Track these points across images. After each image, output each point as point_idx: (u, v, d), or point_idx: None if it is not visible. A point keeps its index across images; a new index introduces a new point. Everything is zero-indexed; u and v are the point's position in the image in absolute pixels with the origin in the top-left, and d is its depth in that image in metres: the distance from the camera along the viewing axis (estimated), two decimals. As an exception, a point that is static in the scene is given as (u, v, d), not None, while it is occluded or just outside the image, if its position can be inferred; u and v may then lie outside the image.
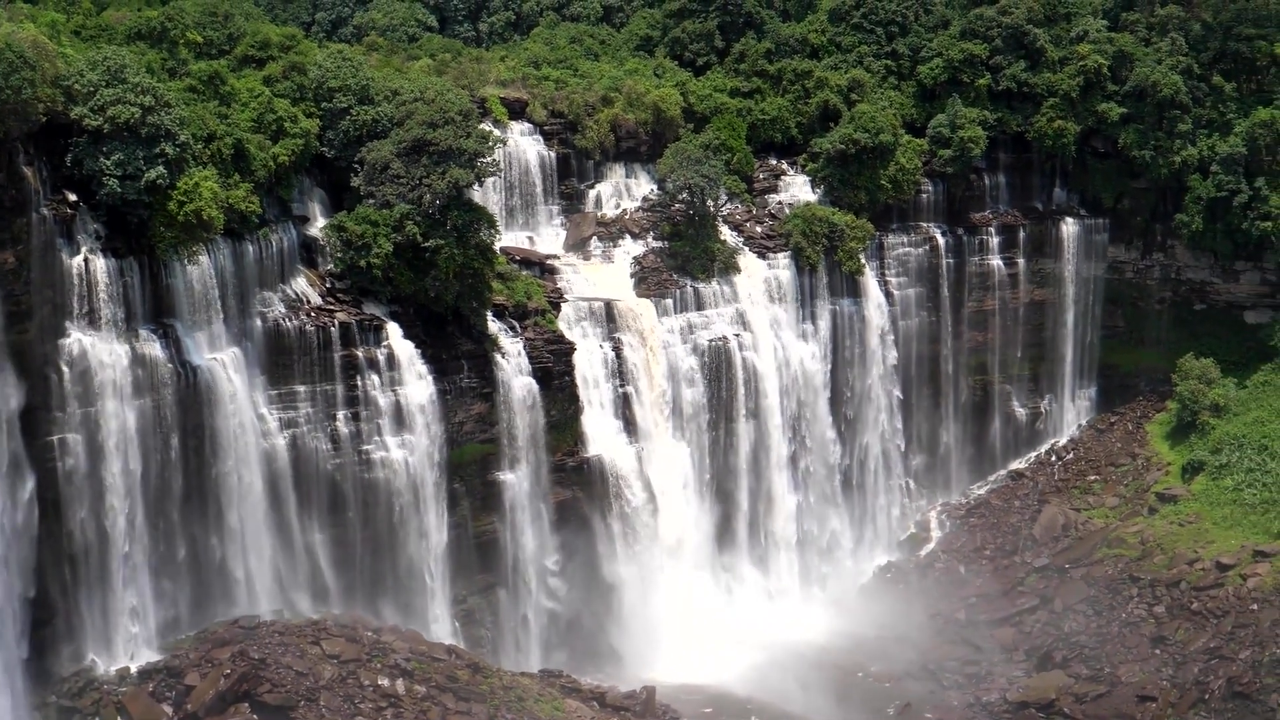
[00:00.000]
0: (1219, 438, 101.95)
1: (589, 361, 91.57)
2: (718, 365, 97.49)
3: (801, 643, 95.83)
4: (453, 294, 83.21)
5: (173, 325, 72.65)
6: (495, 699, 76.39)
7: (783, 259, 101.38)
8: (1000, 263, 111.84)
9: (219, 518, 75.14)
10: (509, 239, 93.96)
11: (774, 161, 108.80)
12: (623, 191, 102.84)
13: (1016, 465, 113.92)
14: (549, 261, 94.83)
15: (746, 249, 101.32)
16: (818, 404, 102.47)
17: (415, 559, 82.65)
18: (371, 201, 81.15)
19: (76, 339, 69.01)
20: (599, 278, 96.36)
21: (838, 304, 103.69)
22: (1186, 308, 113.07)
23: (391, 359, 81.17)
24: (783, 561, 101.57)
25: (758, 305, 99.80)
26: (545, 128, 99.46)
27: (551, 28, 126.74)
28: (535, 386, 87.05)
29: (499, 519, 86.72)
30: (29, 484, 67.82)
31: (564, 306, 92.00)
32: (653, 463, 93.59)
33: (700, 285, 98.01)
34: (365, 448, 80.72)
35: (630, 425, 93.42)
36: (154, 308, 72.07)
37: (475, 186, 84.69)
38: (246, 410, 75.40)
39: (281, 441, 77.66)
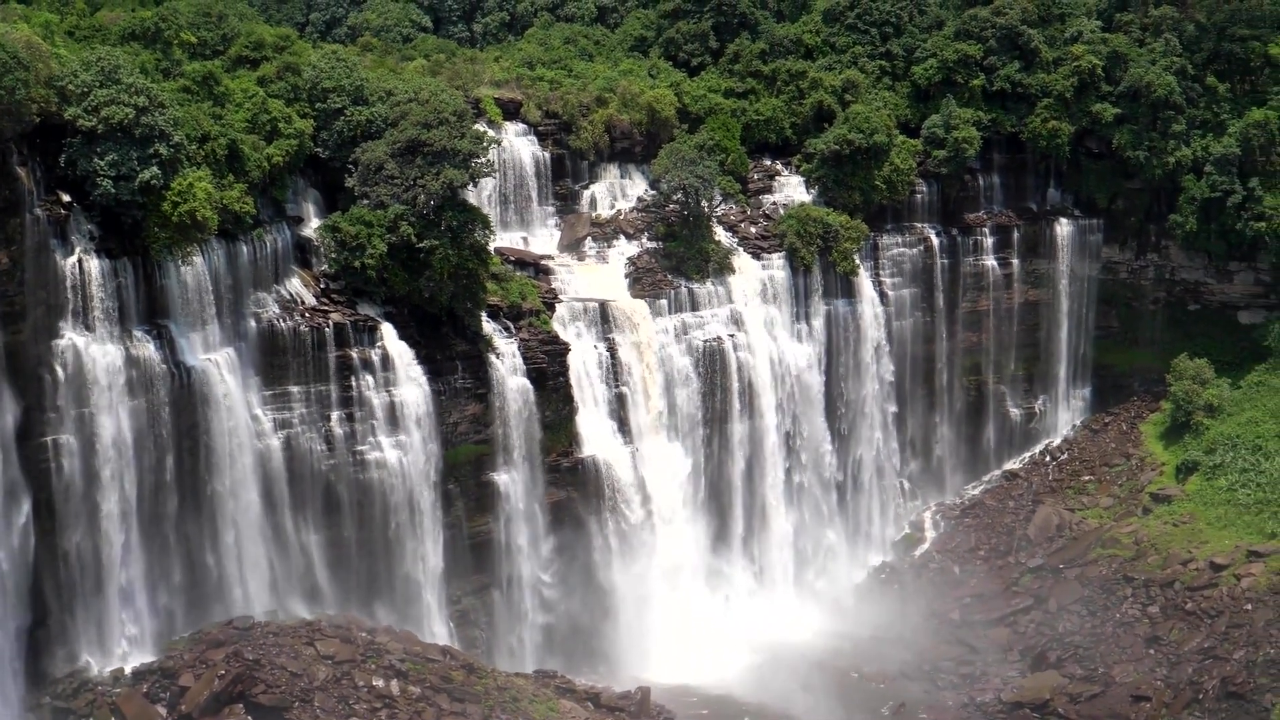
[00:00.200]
0: (1213, 438, 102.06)
1: (583, 362, 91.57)
2: (712, 366, 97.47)
3: (796, 643, 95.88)
4: (447, 295, 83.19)
5: (167, 326, 72.62)
6: (490, 700, 76.33)
7: (777, 259, 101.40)
8: (994, 263, 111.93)
9: (213, 519, 75.07)
10: (503, 240, 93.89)
11: (768, 162, 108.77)
12: (617, 192, 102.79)
13: (1011, 465, 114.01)
14: (544, 262, 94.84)
15: (741, 249, 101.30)
16: (811, 405, 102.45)
17: (410, 560, 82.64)
18: (366, 202, 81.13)
19: (70, 340, 68.95)
20: (593, 278, 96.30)
21: (832, 305, 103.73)
22: (1181, 308, 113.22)
23: (386, 360, 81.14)
24: (777, 561, 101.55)
25: (752, 306, 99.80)
26: (540, 128, 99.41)
27: (546, 28, 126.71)
28: (530, 387, 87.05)
29: (494, 520, 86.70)
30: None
31: (558, 307, 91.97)
32: (647, 463, 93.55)
33: (695, 286, 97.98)
34: (360, 449, 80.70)
35: (625, 426, 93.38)
36: (148, 308, 72.04)
37: (470, 187, 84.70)
38: (241, 411, 75.36)
39: (276, 442, 77.60)
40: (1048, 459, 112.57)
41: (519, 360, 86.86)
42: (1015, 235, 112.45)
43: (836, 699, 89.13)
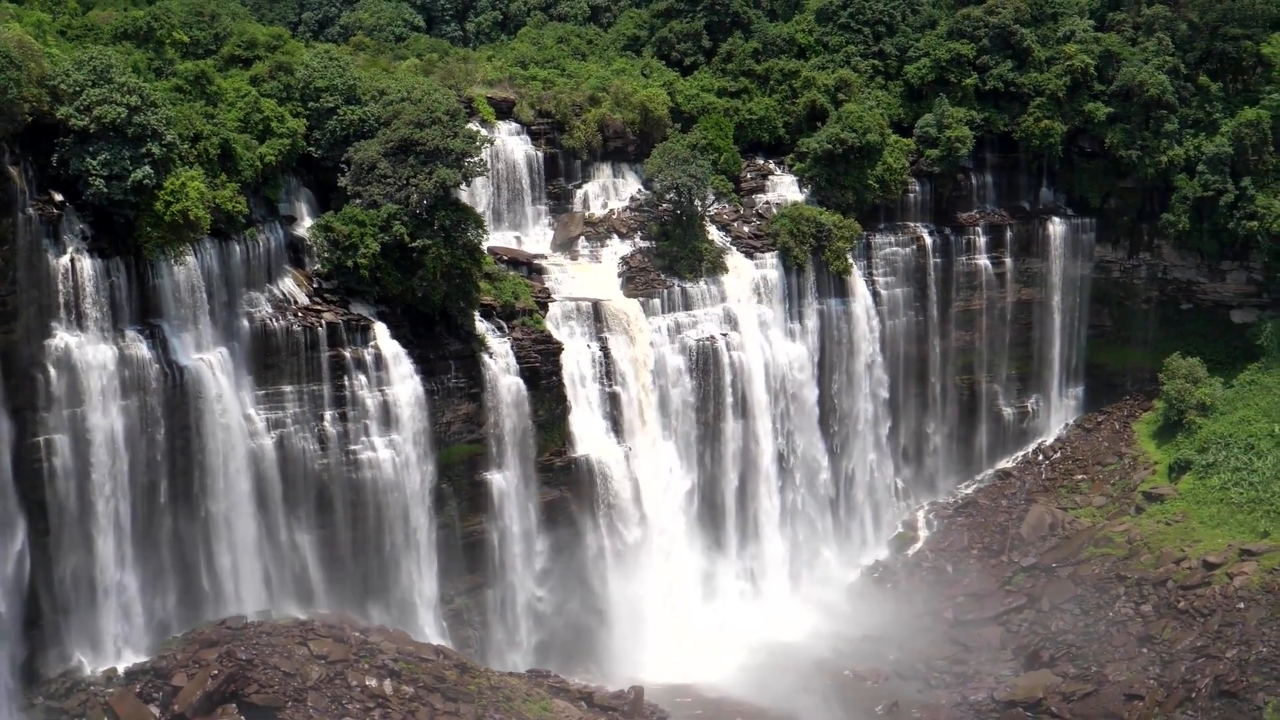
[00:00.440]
0: (1206, 437, 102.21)
1: (576, 361, 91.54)
2: (705, 365, 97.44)
3: (789, 642, 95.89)
4: (440, 294, 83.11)
5: (159, 326, 72.46)
6: (483, 699, 76.30)
7: (770, 259, 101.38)
8: (987, 262, 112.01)
9: (206, 518, 74.93)
10: (496, 239, 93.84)
11: (761, 161, 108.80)
12: (610, 191, 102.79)
13: (1004, 464, 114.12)
14: (536, 261, 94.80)
15: (734, 249, 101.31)
16: (805, 403, 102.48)
17: (403, 559, 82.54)
18: (358, 201, 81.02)
19: (63, 339, 68.80)
20: (586, 277, 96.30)
21: (825, 304, 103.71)
22: (1173, 307, 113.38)
23: (379, 359, 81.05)
24: (770, 560, 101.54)
25: (745, 305, 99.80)
26: (532, 128, 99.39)
27: (539, 28, 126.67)
28: (523, 386, 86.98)
29: (487, 519, 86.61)
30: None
31: (551, 306, 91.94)
32: (641, 462, 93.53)
33: (688, 285, 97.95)
34: (352, 448, 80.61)
35: (618, 425, 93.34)
36: (140, 308, 71.87)
37: (462, 186, 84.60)
38: (233, 410, 75.21)
39: (269, 442, 77.47)
40: (1040, 458, 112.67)
41: (512, 360, 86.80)
42: (1008, 234, 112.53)
43: (829, 698, 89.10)
